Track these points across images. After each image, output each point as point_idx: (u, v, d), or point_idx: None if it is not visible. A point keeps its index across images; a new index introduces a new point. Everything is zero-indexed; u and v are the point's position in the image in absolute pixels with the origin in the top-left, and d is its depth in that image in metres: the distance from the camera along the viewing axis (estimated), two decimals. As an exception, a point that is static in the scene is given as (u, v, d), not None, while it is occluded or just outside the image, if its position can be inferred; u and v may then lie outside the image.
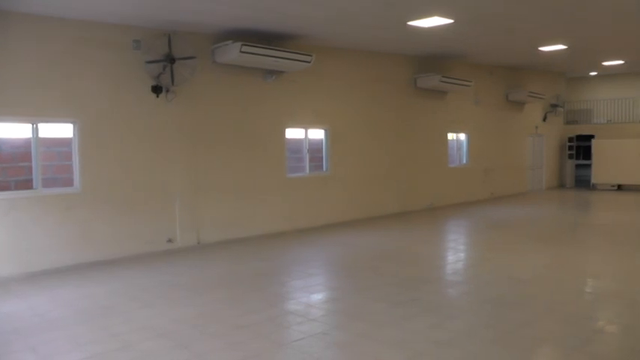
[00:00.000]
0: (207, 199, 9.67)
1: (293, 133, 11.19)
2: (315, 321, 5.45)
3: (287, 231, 10.87)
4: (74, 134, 8.20)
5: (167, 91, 8.94)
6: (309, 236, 10.53)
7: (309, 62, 10.07)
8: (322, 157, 11.76)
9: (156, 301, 6.33)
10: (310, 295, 6.53)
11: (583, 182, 20.29)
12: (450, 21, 9.43)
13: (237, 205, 10.11)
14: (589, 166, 19.78)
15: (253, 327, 5.29)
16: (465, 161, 15.87)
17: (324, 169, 11.77)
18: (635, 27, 11.04)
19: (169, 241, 9.19)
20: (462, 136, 15.83)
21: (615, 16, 9.96)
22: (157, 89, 8.78)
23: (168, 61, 8.69)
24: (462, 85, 14.01)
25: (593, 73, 21.17)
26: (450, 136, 15.31)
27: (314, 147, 11.63)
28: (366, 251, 9.16)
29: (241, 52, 9.10)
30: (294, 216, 11.09)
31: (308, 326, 5.29)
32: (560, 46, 12.96)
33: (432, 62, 13.95)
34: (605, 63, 17.08)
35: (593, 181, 19.56)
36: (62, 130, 8.20)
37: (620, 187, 19.21)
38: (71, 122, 8.16)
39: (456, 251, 9.54)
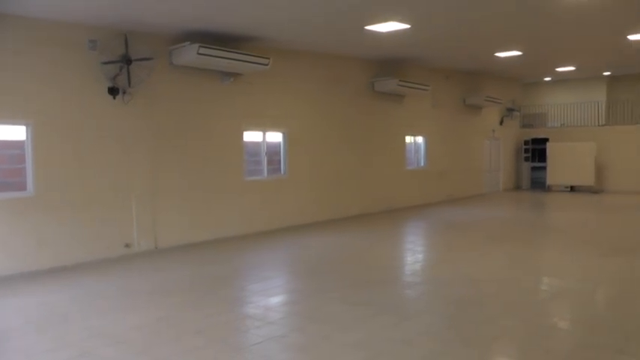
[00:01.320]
0: (164, 203, 9.64)
1: (251, 136, 11.25)
2: (273, 324, 5.54)
3: (246, 234, 10.91)
4: (27, 137, 8.07)
5: (124, 92, 8.87)
6: (268, 239, 10.60)
7: (266, 65, 10.14)
8: (280, 160, 11.85)
9: (114, 307, 6.30)
10: (269, 298, 6.61)
11: (538, 184, 20.89)
12: (407, 26, 9.64)
13: (195, 208, 10.12)
14: (544, 168, 20.41)
15: (211, 331, 5.35)
16: (422, 164, 16.18)
17: (282, 172, 11.86)
18: (583, 35, 11.51)
19: (127, 246, 9.14)
20: (420, 139, 16.13)
21: (566, 25, 10.37)
22: (113, 91, 8.72)
23: (124, 62, 8.64)
24: (420, 89, 14.30)
25: (547, 79, 21.88)
26: (408, 139, 15.60)
27: (272, 150, 11.71)
28: (325, 253, 9.29)
29: (199, 53, 9.12)
30: (253, 219, 11.14)
31: (266, 329, 5.37)
32: (516, 52, 13.37)
33: (389, 66, 14.19)
34: (558, 69, 17.74)
35: (548, 182, 20.20)
36: (14, 133, 8.06)
37: (572, 189, 19.87)
38: (24, 124, 8.03)
39: (414, 252, 9.76)
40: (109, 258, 8.85)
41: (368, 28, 9.72)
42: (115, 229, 9.01)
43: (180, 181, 9.89)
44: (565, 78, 21.36)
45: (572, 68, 17.60)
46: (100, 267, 8.38)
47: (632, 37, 11.68)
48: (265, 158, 11.50)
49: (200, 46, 9.11)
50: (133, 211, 9.21)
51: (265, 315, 5.89)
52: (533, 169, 21.17)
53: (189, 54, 9.25)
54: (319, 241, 10.38)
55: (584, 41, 12.33)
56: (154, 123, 9.46)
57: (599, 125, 20.98)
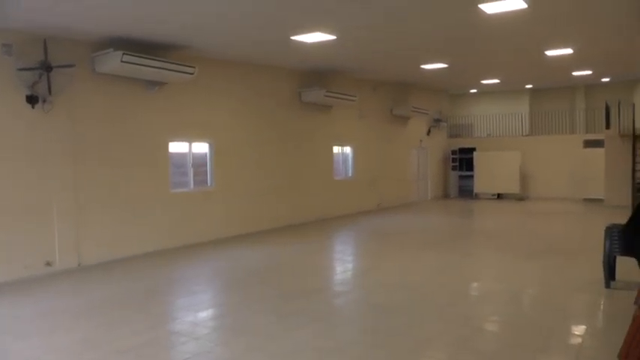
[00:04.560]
0: (88, 218, 9.49)
1: (177, 147, 11.25)
2: (200, 339, 5.63)
3: (173, 248, 10.87)
4: (-64, 148, 7.80)
5: (44, 101, 8.69)
6: (195, 252, 10.61)
7: (192, 74, 10.20)
8: (207, 172, 11.91)
9: (33, 330, 6.13)
10: (195, 313, 6.68)
11: (466, 192, 21.71)
12: (333, 37, 9.92)
13: (120, 222, 10.01)
14: (471, 176, 21.29)
15: (136, 350, 5.37)
16: (350, 174, 16.57)
17: (209, 183, 11.91)
18: (504, 50, 12.18)
19: (48, 264, 8.89)
20: (348, 150, 16.52)
21: (488, 40, 10.95)
22: (32, 99, 8.53)
23: (44, 69, 8.45)
24: (347, 99, 14.70)
25: (473, 91, 22.87)
26: (336, 149, 15.97)
27: (198, 161, 11.75)
28: (253, 265, 9.42)
29: (122, 61, 9.07)
30: (180, 232, 11.11)
31: (193, 345, 5.46)
32: (441, 65, 13.92)
33: (316, 76, 14.48)
34: (484, 81, 18.61)
35: (476, 190, 21.08)
36: None
37: (499, 196, 20.80)
38: None
39: (343, 261, 10.04)
40: (28, 278, 8.57)
41: (294, 38, 9.94)
42: (35, 246, 8.76)
43: (105, 193, 9.77)
44: (490, 90, 22.42)
45: (496, 81, 18.50)
46: (19, 288, 8.08)
47: (549, 53, 12.45)
48: (191, 169, 11.53)
49: (124, 54, 9.06)
50: (55, 227, 9.00)
51: (192, 330, 5.96)
52: (461, 177, 21.99)
53: (113, 61, 9.18)
54: (247, 253, 10.49)
55: (506, 56, 13.03)
56: (76, 133, 9.31)
57: (523, 135, 22.08)
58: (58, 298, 7.61)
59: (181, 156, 11.40)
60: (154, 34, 9.36)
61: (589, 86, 22.07)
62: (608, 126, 17.53)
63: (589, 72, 16.76)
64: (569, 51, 12.30)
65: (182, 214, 11.18)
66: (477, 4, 8.02)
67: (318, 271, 9.10)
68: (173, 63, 9.91)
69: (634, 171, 16.08)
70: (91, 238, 9.54)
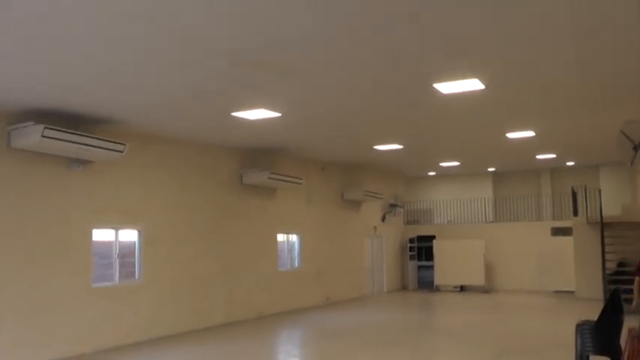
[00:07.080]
0: (-11, 315, 9.11)
1: (101, 235, 11.10)
2: None
3: (91, 352, 10.44)
4: None
5: (-55, 181, 8.54)
6: (117, 357, 10.26)
7: (121, 152, 10.19)
8: (135, 263, 11.71)
9: None
10: None
11: (426, 284, 21.82)
12: (277, 114, 10.16)
13: (29, 322, 9.59)
14: (432, 267, 21.41)
15: None
16: (297, 264, 16.57)
17: (137, 276, 11.71)
18: (463, 132, 12.69)
19: None
20: (294, 238, 16.60)
21: (446, 121, 11.42)
22: None
23: (-53, 144, 8.37)
24: (293, 182, 14.95)
25: (432, 173, 23.48)
26: (280, 237, 16.00)
27: (125, 250, 11.58)
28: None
29: (43, 136, 8.96)
30: (101, 333, 10.72)
31: None
32: (396, 146, 14.34)
33: (259, 156, 14.71)
34: (443, 164, 19.21)
35: (436, 282, 21.20)
36: None
37: (462, 288, 20.95)
38: None
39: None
40: None
41: (235, 114, 10.11)
42: None
43: (12, 288, 9.41)
44: (450, 173, 23.08)
45: (456, 163, 19.12)
46: None
47: (510, 135, 13.03)
48: (117, 260, 11.33)
49: (45, 128, 8.96)
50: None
51: None
52: (420, 268, 22.16)
53: (32, 136, 9.06)
54: (177, 358, 10.21)
55: (466, 137, 13.57)
56: (-18, 217, 9.09)
57: (486, 222, 22.57)
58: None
59: (106, 245, 11.23)
60: (80, 106, 9.38)
61: (554, 170, 22.98)
62: (575, 213, 18.16)
63: (553, 155, 17.52)
64: (530, 133, 12.88)
65: (104, 311, 10.84)
66: (431, 84, 8.40)
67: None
68: (100, 139, 9.89)
69: (604, 261, 16.54)
70: (-8, 340, 9.14)
